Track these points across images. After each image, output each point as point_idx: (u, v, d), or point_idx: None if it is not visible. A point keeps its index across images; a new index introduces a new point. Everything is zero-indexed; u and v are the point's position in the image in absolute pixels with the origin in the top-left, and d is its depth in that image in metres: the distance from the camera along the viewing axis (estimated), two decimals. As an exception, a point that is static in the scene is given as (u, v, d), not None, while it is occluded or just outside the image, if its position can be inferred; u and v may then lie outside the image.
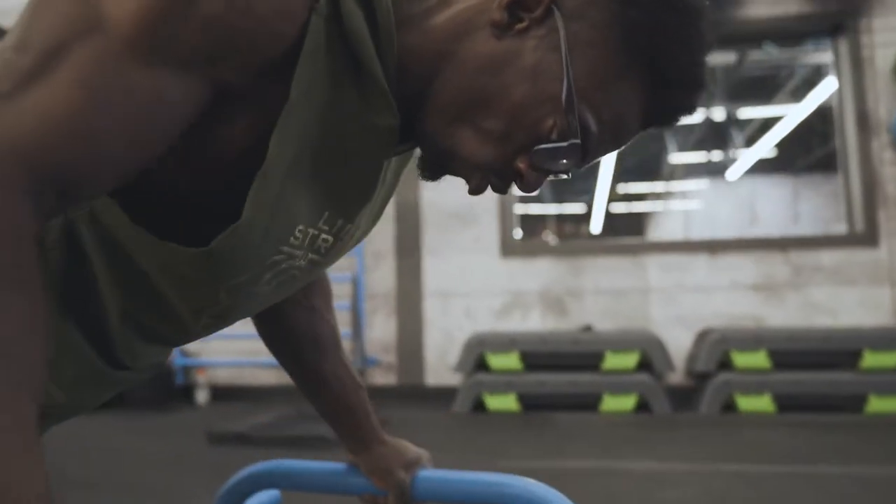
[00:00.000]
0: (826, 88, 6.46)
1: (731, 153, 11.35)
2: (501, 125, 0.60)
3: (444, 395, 4.32)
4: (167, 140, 0.53)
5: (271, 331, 0.94)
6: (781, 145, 10.39)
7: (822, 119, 8.50)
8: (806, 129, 9.25)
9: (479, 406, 4.17)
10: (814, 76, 7.25)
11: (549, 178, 0.64)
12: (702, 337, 4.20)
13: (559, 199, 13.96)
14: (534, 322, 4.49)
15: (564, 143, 0.59)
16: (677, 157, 11.64)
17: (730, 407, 3.97)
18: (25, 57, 0.47)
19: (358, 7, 0.56)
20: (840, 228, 4.57)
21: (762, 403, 3.93)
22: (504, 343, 4.14)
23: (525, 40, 0.59)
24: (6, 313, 0.45)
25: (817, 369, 3.93)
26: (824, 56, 4.47)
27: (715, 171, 12.37)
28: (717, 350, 4.04)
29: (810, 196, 12.34)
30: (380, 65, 0.58)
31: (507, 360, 4.18)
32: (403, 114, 0.62)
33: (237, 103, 0.55)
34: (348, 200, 0.64)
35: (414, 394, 4.56)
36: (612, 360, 4.06)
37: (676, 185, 13.24)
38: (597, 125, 0.60)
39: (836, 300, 4.19)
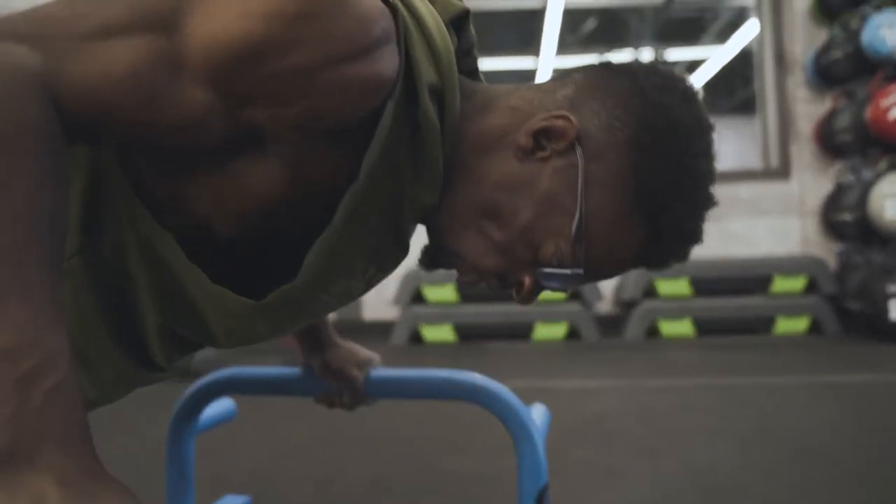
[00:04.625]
0: (749, 30, 6.66)
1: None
2: (506, 239, 0.64)
3: (382, 329, 4.42)
4: (173, 132, 0.54)
5: None
6: (706, 88, 10.68)
7: (744, 62, 8.76)
8: (729, 71, 9.53)
9: (417, 338, 4.28)
10: (737, 19, 7.44)
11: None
12: (628, 267, 4.41)
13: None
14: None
15: (569, 272, 0.64)
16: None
17: (653, 332, 4.21)
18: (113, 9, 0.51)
19: (433, 103, 0.60)
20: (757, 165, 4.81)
21: (683, 328, 4.19)
22: (440, 275, 4.24)
23: (543, 168, 0.63)
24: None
25: (733, 295, 4.20)
26: (748, -2, 4.59)
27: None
28: (642, 279, 4.25)
29: (732, 138, 12.75)
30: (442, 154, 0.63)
31: (443, 293, 4.30)
32: None
33: (281, 156, 0.57)
34: (387, 258, 0.70)
35: (352, 329, 4.63)
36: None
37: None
38: (593, 259, 0.64)
39: (752, 230, 4.44)
